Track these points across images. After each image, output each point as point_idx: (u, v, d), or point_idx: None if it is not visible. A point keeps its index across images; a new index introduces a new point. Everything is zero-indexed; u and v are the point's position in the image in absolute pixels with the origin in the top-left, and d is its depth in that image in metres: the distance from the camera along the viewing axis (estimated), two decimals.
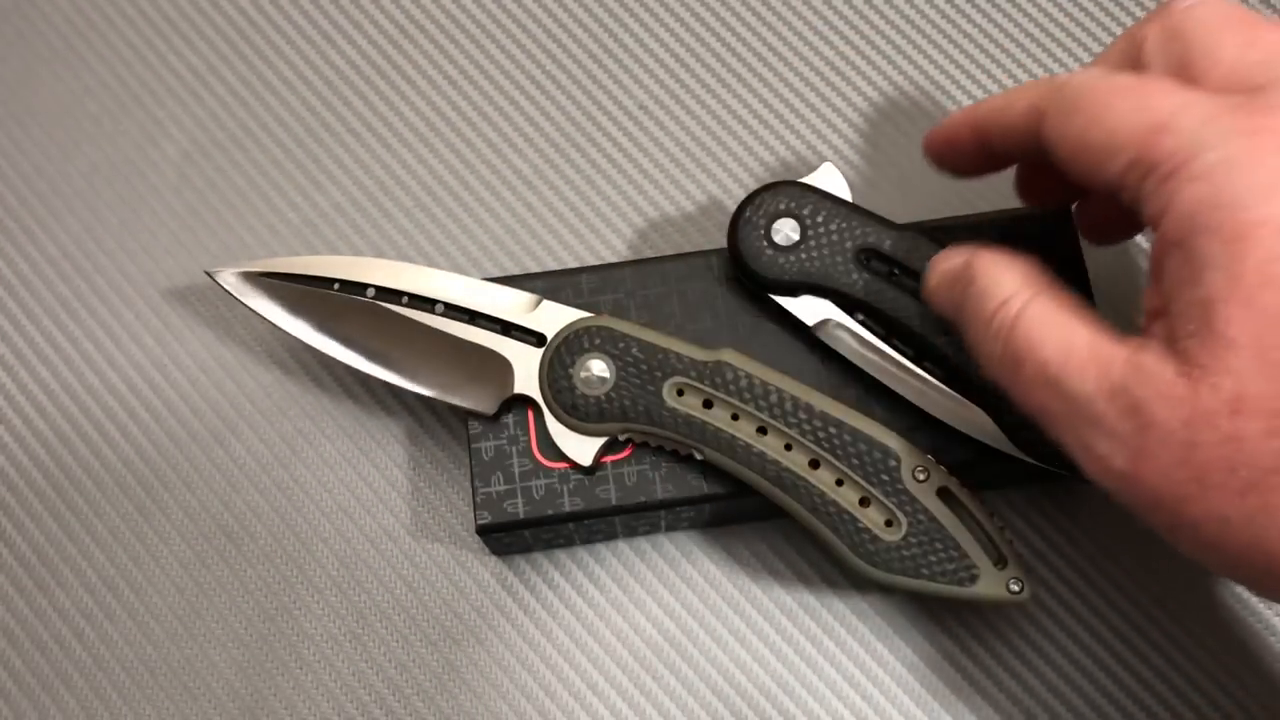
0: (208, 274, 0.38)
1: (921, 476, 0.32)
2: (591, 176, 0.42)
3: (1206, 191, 0.24)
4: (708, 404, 0.33)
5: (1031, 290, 0.28)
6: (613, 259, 0.41)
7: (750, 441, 0.32)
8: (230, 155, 0.43)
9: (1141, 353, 0.25)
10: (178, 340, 0.41)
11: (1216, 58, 0.26)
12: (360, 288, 0.36)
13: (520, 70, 0.44)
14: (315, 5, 0.45)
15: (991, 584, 0.31)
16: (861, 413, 0.33)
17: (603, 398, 0.33)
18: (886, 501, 0.32)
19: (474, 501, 0.34)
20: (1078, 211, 0.35)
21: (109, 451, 0.40)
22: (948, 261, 0.31)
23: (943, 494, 0.32)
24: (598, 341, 0.34)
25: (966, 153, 0.32)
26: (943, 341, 0.33)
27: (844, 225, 0.34)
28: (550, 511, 0.34)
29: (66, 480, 0.40)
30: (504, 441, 0.35)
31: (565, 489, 0.34)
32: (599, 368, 0.34)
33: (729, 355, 0.33)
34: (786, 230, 0.34)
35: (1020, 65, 0.43)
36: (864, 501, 0.32)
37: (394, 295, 0.36)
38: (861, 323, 0.34)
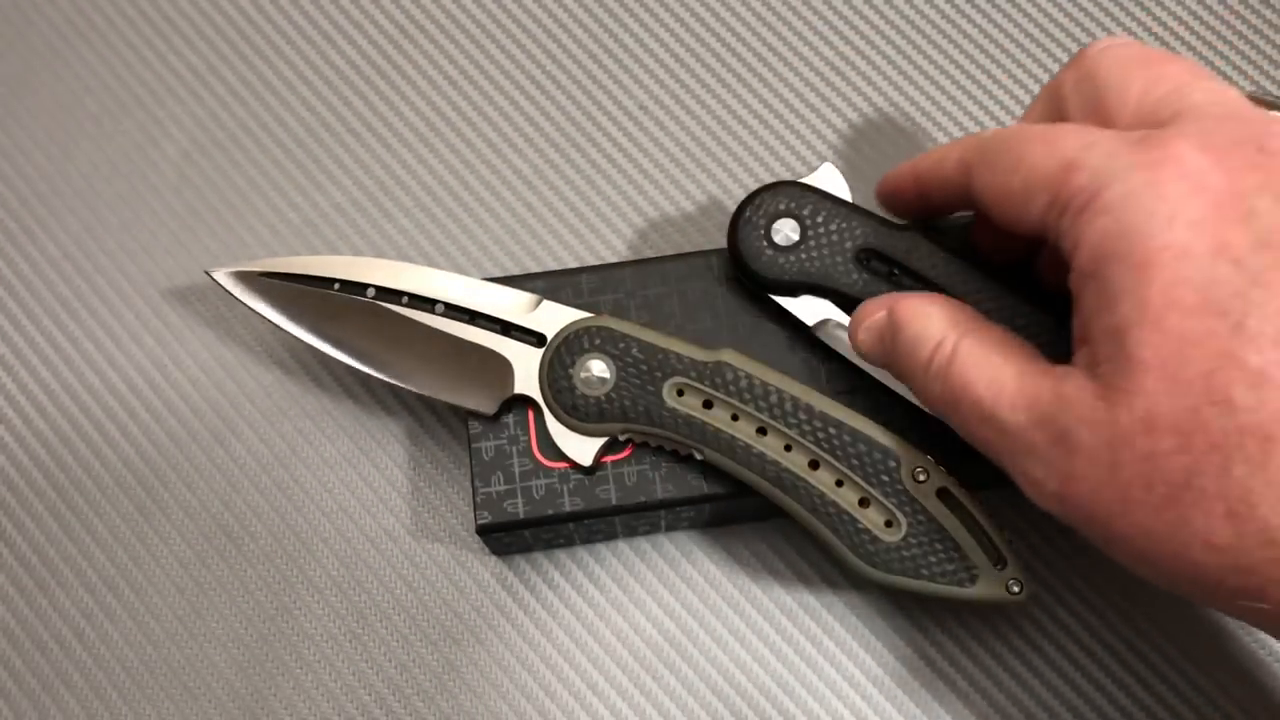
0: (208, 274, 0.38)
1: (921, 477, 0.32)
2: (591, 176, 0.42)
3: (1113, 223, 0.25)
4: (708, 404, 0.33)
5: (958, 331, 0.29)
6: (613, 259, 0.41)
7: (750, 442, 0.32)
8: (230, 155, 0.43)
9: (1064, 381, 0.26)
10: (178, 340, 0.41)
11: (1125, 97, 0.28)
12: (360, 288, 0.36)
13: (520, 70, 0.44)
14: (315, 5, 0.45)
15: (991, 584, 0.31)
16: (861, 413, 0.33)
17: (603, 398, 0.33)
18: (886, 502, 0.32)
19: (474, 501, 0.34)
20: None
21: (109, 451, 0.40)
22: (870, 316, 0.32)
23: (942, 494, 0.32)
24: (598, 342, 0.34)
25: (910, 202, 0.34)
26: None
27: (844, 225, 0.34)
28: (550, 511, 0.34)
29: (66, 480, 0.40)
30: (504, 441, 0.35)
31: (565, 489, 0.34)
32: (599, 368, 0.34)
33: (729, 355, 0.33)
34: (786, 230, 0.34)
35: (1020, 66, 0.43)
36: (864, 502, 0.32)
37: (394, 295, 0.36)
38: None
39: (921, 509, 0.32)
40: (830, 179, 0.35)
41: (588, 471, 0.34)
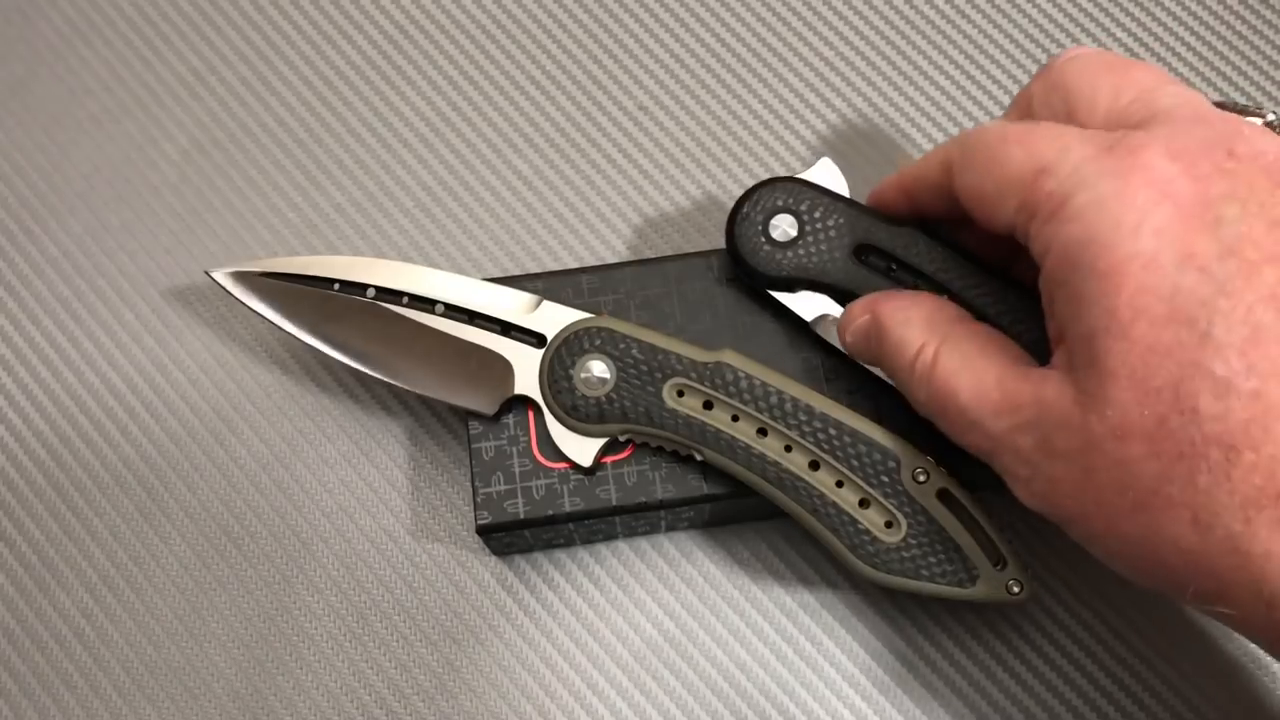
0: (208, 274, 0.38)
1: (921, 478, 0.32)
2: (591, 176, 0.42)
3: (1080, 231, 0.25)
4: (708, 405, 0.33)
5: (939, 335, 0.30)
6: (613, 259, 0.41)
7: (750, 443, 0.32)
8: (230, 155, 0.43)
9: (1044, 385, 0.26)
10: (178, 340, 0.41)
11: (1094, 104, 0.28)
12: (360, 288, 0.36)
13: (520, 70, 0.44)
14: (315, 5, 0.45)
15: (991, 585, 0.31)
16: (861, 414, 0.33)
17: (603, 398, 0.33)
18: (886, 503, 0.32)
19: (474, 501, 0.34)
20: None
21: (109, 451, 0.40)
22: (855, 320, 0.32)
23: (942, 495, 0.32)
24: (598, 342, 0.34)
25: (901, 211, 0.34)
26: None
27: (841, 221, 0.34)
28: (550, 511, 0.34)
29: (66, 480, 0.40)
30: (504, 442, 0.35)
31: (565, 489, 0.34)
32: (599, 368, 0.34)
33: (729, 356, 0.33)
34: (784, 226, 0.34)
35: (1019, 65, 0.43)
36: (864, 503, 0.32)
37: (394, 295, 0.36)
38: None
39: (921, 510, 0.32)
40: (828, 174, 0.35)
41: (588, 472, 0.34)
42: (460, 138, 0.43)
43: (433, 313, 0.35)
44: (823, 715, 0.36)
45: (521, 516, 0.34)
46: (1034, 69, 0.43)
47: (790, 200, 0.34)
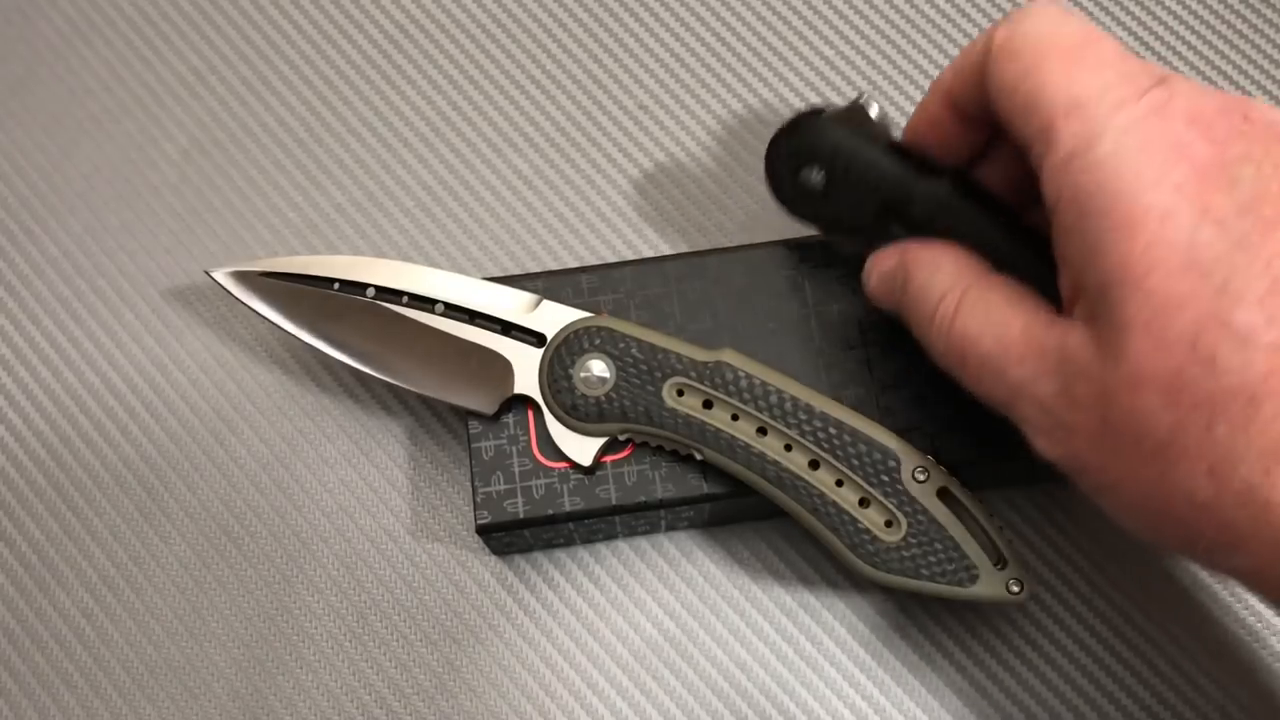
0: (208, 274, 0.38)
1: (921, 477, 0.32)
2: (591, 176, 0.42)
3: (1099, 181, 0.25)
4: (708, 404, 0.33)
5: (964, 284, 0.29)
6: (613, 259, 0.41)
7: (750, 442, 0.32)
8: (230, 155, 0.43)
9: (1069, 334, 0.26)
10: (178, 340, 0.41)
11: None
12: (360, 287, 0.36)
13: (520, 70, 0.44)
14: (315, 5, 0.45)
15: (991, 584, 0.31)
16: (862, 413, 0.33)
17: (603, 398, 0.33)
18: (886, 502, 0.32)
19: (474, 501, 0.34)
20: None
21: (109, 451, 0.40)
22: (883, 263, 0.32)
23: (943, 494, 0.32)
24: (598, 342, 0.34)
25: (949, 131, 0.32)
26: None
27: (870, 172, 0.33)
28: (550, 511, 0.34)
29: (66, 480, 0.40)
30: (504, 441, 0.35)
31: (565, 489, 0.34)
32: (599, 368, 0.34)
33: (729, 355, 0.33)
34: (814, 177, 0.34)
35: None
36: (864, 502, 0.32)
37: (394, 295, 0.36)
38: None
39: (922, 509, 0.32)
40: (864, 114, 0.34)
41: (588, 471, 0.34)
42: (460, 138, 0.43)
43: (433, 312, 0.35)
44: (823, 715, 0.36)
45: (521, 516, 0.34)
46: None
47: (821, 146, 0.33)
